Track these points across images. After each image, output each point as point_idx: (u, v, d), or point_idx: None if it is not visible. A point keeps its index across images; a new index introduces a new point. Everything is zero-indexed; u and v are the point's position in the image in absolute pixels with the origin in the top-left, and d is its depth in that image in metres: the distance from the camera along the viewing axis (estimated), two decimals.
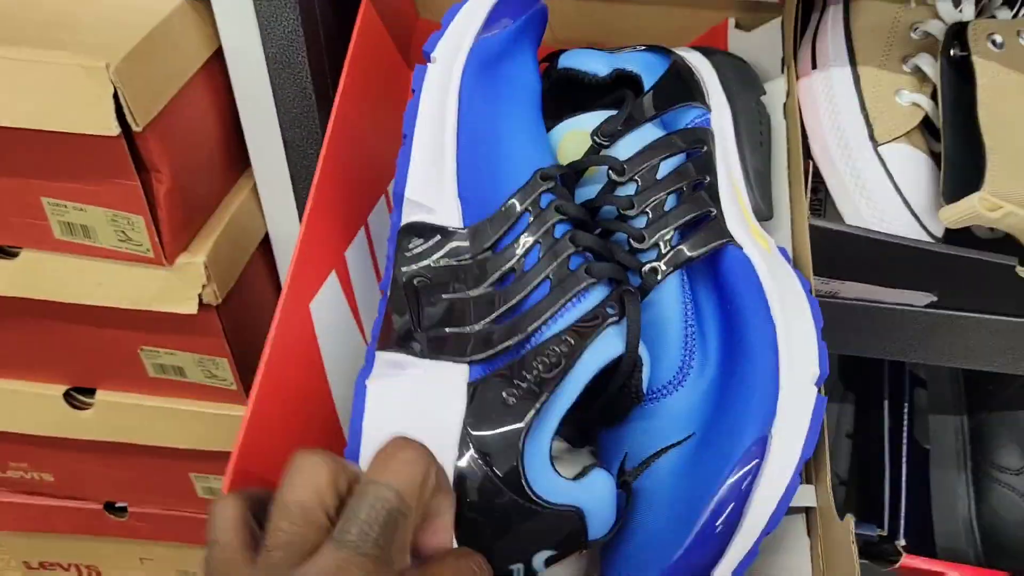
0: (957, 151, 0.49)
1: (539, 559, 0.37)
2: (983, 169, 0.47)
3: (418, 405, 0.38)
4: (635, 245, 0.43)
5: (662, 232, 0.43)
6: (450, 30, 0.44)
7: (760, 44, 0.58)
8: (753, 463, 0.36)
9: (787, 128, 0.52)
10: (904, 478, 0.66)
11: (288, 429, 0.41)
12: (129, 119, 0.48)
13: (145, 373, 0.65)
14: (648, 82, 0.50)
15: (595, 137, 0.47)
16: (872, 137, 0.50)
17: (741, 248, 0.43)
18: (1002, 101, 0.49)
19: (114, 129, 0.48)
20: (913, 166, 0.50)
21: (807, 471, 0.44)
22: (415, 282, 0.41)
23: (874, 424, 0.69)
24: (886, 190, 0.50)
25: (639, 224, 0.43)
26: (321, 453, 0.32)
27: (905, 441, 0.68)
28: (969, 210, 0.46)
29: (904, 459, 0.68)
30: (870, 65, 0.52)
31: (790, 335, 0.40)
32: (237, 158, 0.59)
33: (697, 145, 0.46)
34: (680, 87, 0.49)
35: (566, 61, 0.51)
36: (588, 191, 0.46)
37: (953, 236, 0.51)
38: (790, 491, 0.37)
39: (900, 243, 0.48)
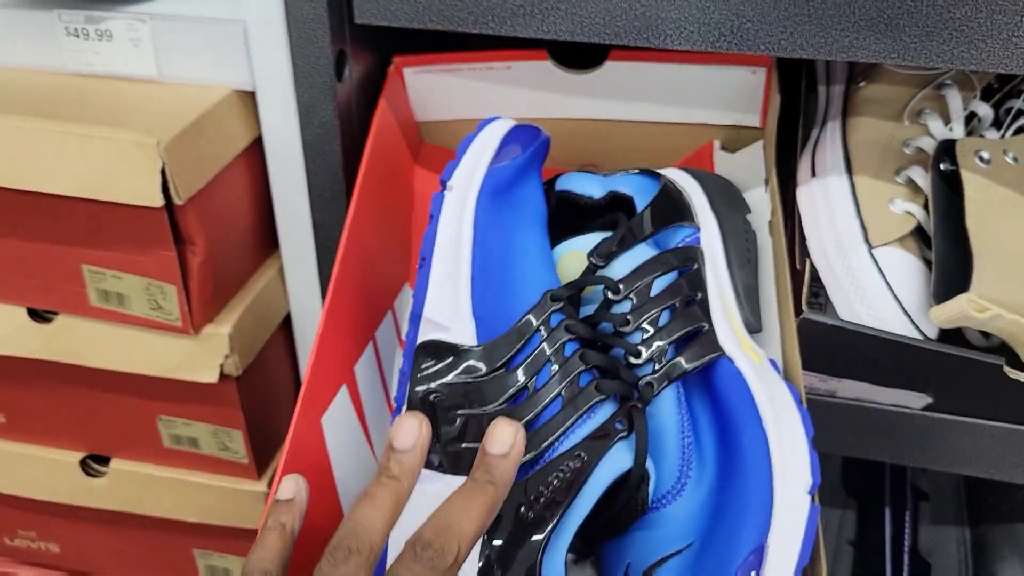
0: (947, 256, 0.51)
1: None
2: (971, 274, 0.50)
3: None
4: (631, 360, 0.45)
5: (657, 347, 0.45)
6: (465, 159, 0.48)
7: (744, 165, 0.61)
8: (751, 572, 0.38)
9: (773, 245, 0.54)
10: None
11: (300, 540, 0.42)
12: (172, 193, 0.52)
13: (160, 443, 0.66)
14: (640, 203, 0.53)
15: (591, 258, 0.49)
16: (867, 240, 0.53)
17: (732, 361, 0.44)
18: (988, 212, 0.52)
19: (159, 201, 0.52)
20: (906, 269, 0.53)
21: None
22: (431, 398, 0.43)
23: (876, 533, 0.69)
24: (881, 290, 0.52)
25: (635, 340, 0.46)
26: (368, 549, 0.35)
27: (907, 552, 0.68)
28: (958, 311, 0.49)
29: (906, 571, 0.67)
30: (865, 175, 0.55)
31: (782, 446, 0.41)
32: (267, 238, 0.63)
33: (688, 263, 0.48)
34: (670, 208, 0.52)
35: (563, 184, 0.54)
36: (586, 308, 0.49)
37: (947, 341, 0.53)
38: None
39: (893, 339, 0.50)
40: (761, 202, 0.57)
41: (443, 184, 0.48)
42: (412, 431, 0.39)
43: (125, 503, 0.70)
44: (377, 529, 0.36)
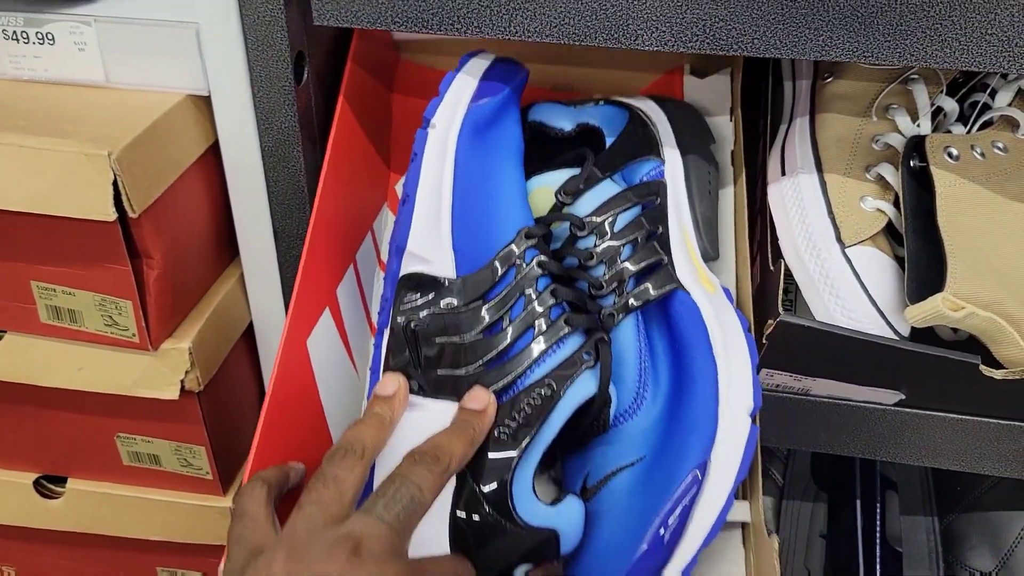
0: (920, 254, 0.51)
1: (519, 571, 0.44)
2: (944, 272, 0.50)
3: (420, 439, 0.43)
4: (594, 292, 0.48)
5: (618, 280, 0.48)
6: (447, 98, 0.50)
7: (712, 91, 0.63)
8: (695, 483, 0.42)
9: (733, 175, 0.57)
10: None
11: (290, 453, 0.47)
12: (126, 205, 0.50)
13: (119, 461, 0.64)
14: (608, 134, 0.56)
15: (558, 195, 0.52)
16: (839, 239, 0.53)
17: (688, 293, 0.48)
18: (959, 209, 0.52)
19: (111, 215, 0.49)
20: (879, 267, 0.53)
21: (742, 490, 0.48)
22: (412, 326, 0.46)
23: (847, 524, 0.70)
24: (854, 289, 0.52)
25: (598, 273, 0.49)
26: (362, 452, 0.40)
27: (878, 543, 0.68)
28: (933, 310, 0.49)
29: (878, 560, 0.68)
30: (836, 173, 0.55)
31: (729, 372, 0.45)
32: (227, 247, 0.61)
33: (651, 198, 0.51)
34: (636, 142, 0.54)
35: (535, 115, 0.57)
36: (554, 244, 0.52)
37: (918, 338, 0.53)
38: (726, 508, 0.42)
39: (868, 340, 0.50)
40: (726, 130, 0.60)
41: (426, 121, 0.50)
42: (394, 381, 0.45)
43: (84, 523, 0.67)
44: (368, 438, 0.42)
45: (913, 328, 0.53)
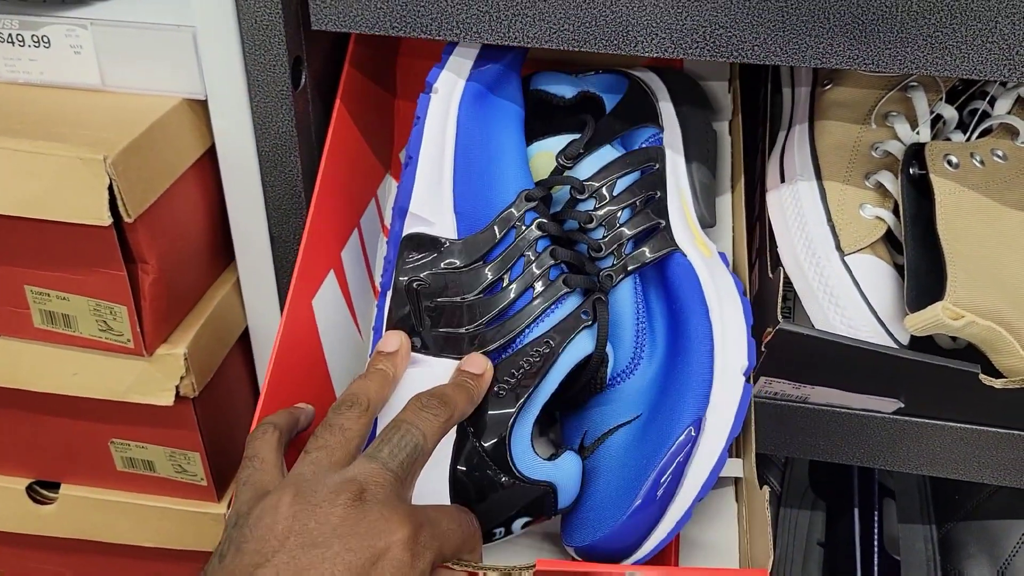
0: (919, 262, 0.51)
1: (517, 524, 0.45)
2: (944, 280, 0.49)
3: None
4: (593, 254, 0.49)
5: (617, 242, 0.49)
6: (449, 63, 0.51)
7: (712, 63, 0.63)
8: (689, 440, 0.43)
9: (731, 144, 0.58)
10: None
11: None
12: (121, 210, 0.49)
13: (113, 467, 0.64)
14: (608, 102, 0.57)
15: (559, 159, 0.53)
16: (839, 247, 0.52)
17: (685, 255, 0.49)
18: (959, 216, 0.52)
19: (106, 219, 0.49)
20: (878, 275, 0.53)
21: (736, 447, 0.49)
22: (415, 286, 0.48)
23: (845, 533, 0.70)
24: (853, 297, 0.52)
25: (597, 236, 0.50)
26: (367, 404, 0.41)
27: (876, 551, 0.68)
28: (933, 318, 0.48)
29: (876, 569, 0.68)
30: (835, 180, 0.55)
31: (724, 332, 0.46)
32: (222, 252, 0.60)
33: (649, 163, 0.52)
34: (636, 110, 0.56)
35: (537, 83, 0.58)
36: (554, 206, 0.53)
37: (917, 346, 0.53)
38: (720, 464, 0.43)
39: (868, 348, 0.50)
40: (724, 101, 0.61)
41: (428, 86, 0.51)
42: (397, 337, 0.46)
43: (77, 530, 0.67)
44: (372, 391, 0.43)
45: (912, 336, 0.53)
